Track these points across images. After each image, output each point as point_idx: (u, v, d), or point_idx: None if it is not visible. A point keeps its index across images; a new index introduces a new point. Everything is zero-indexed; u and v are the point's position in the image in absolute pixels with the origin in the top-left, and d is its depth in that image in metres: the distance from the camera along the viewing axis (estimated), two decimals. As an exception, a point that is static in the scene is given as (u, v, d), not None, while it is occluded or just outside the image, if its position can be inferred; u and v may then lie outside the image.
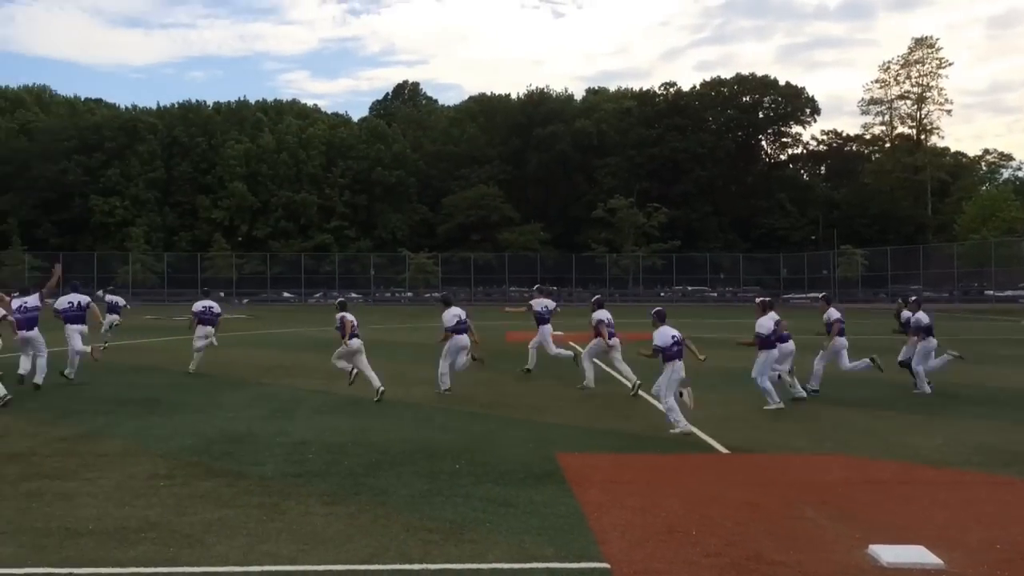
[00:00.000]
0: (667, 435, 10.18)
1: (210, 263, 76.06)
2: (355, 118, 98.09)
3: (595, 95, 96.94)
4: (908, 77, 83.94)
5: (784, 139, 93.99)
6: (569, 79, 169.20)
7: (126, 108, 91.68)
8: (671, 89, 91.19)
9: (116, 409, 11.84)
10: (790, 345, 12.94)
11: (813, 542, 6.07)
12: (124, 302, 20.73)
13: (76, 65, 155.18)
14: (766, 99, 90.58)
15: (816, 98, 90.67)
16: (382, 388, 12.77)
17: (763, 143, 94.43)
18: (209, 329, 16.72)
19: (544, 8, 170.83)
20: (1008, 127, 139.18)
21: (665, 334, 10.67)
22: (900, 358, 14.61)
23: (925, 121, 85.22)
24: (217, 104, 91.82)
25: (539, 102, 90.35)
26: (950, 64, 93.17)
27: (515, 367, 16.91)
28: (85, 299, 15.60)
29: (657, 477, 8.16)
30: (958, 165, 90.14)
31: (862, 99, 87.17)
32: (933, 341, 14.15)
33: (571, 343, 19.10)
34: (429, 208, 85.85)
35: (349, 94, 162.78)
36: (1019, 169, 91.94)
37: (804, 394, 13.14)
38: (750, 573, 5.43)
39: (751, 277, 78.37)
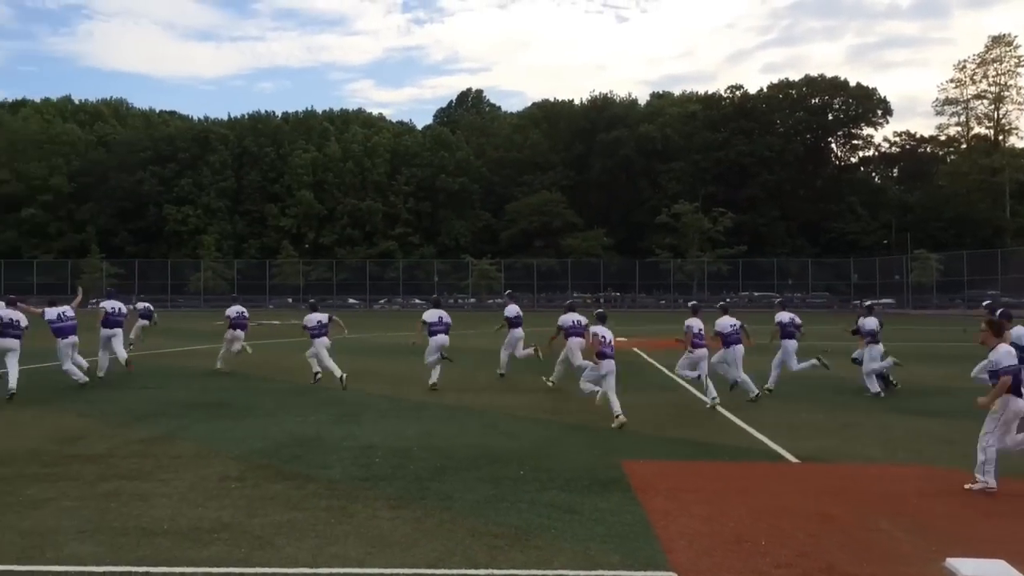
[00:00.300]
0: (736, 444, 10.02)
1: (278, 270, 77.90)
2: (419, 126, 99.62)
3: (659, 99, 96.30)
4: (985, 76, 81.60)
5: (855, 141, 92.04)
6: (633, 84, 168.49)
7: (198, 120, 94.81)
8: (737, 92, 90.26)
9: (189, 412, 12.15)
10: (704, 351, 12.95)
11: (888, 555, 5.89)
12: (153, 308, 22.12)
13: (151, 78, 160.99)
14: (836, 101, 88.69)
15: (888, 99, 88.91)
16: (344, 375, 14.71)
17: (833, 146, 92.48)
18: (239, 333, 17.66)
19: (607, 13, 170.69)
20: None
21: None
22: (853, 355, 15.62)
23: (1003, 121, 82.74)
24: (285, 114, 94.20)
25: (602, 107, 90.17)
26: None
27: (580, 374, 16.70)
28: (125, 307, 16.83)
29: (725, 486, 8.00)
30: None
31: (936, 99, 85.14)
32: (880, 346, 14.67)
33: (635, 348, 18.85)
34: (492, 214, 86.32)
35: (413, 102, 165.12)
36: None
37: (717, 397, 12.60)
38: (823, 585, 5.29)
39: (820, 283, 76.85)
